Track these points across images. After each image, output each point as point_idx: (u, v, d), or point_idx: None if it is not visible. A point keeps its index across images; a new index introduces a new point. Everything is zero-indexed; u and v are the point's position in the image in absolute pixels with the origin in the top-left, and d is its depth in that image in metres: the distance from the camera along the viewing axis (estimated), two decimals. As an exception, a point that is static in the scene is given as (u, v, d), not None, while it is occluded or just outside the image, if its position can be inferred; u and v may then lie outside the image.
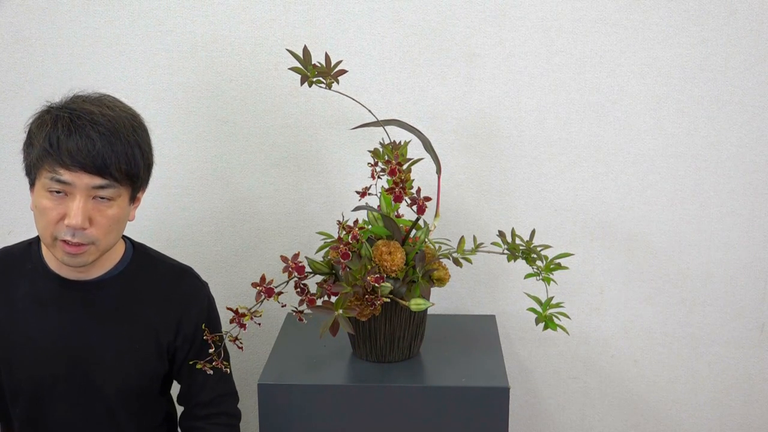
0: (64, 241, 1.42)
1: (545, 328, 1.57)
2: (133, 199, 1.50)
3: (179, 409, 1.73)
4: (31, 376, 1.53)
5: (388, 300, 1.57)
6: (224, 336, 1.57)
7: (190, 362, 1.60)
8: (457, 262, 1.62)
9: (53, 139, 1.39)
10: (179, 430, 1.72)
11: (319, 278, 1.69)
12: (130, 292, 1.56)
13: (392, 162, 1.51)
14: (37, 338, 1.52)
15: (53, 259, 1.52)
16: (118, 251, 1.57)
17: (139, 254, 1.60)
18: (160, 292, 1.58)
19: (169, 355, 1.60)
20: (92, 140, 1.39)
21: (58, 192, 1.41)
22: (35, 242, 1.57)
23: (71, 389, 1.54)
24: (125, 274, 1.56)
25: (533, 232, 1.66)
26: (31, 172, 1.45)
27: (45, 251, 1.54)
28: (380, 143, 1.61)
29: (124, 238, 1.60)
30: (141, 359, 1.56)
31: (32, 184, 1.46)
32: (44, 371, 1.52)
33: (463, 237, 1.66)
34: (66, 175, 1.39)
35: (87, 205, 1.41)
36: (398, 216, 1.69)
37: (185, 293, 1.60)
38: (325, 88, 1.55)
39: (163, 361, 1.59)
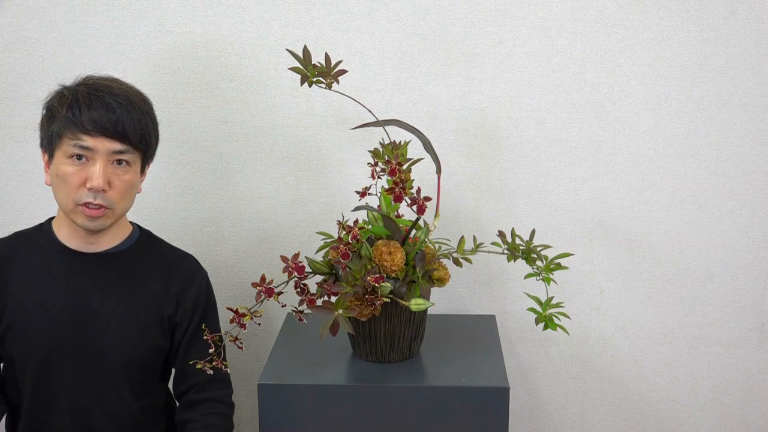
0: (85, 205, 1.52)
1: (545, 328, 1.57)
2: (143, 169, 1.61)
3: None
4: (41, 341, 1.60)
5: (388, 300, 1.56)
6: (224, 336, 1.57)
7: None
8: (457, 262, 1.62)
9: (75, 110, 1.51)
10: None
11: (319, 278, 1.69)
12: (135, 265, 1.65)
13: (392, 162, 1.51)
14: (48, 305, 1.60)
15: (64, 234, 1.62)
16: (126, 229, 1.67)
17: (145, 236, 1.71)
18: (163, 269, 1.67)
19: (170, 330, 1.67)
20: (112, 108, 1.52)
21: (79, 158, 1.52)
22: (45, 223, 1.67)
23: (78, 355, 1.60)
24: (132, 249, 1.66)
25: (533, 232, 1.66)
26: (52, 143, 1.54)
27: (56, 227, 1.63)
28: (380, 143, 1.61)
29: (132, 223, 1.69)
30: (144, 328, 1.63)
31: (51, 156, 1.55)
32: (53, 335, 1.59)
33: (463, 237, 1.66)
34: (89, 141, 1.51)
35: (107, 169, 1.53)
36: (398, 216, 1.69)
37: (186, 272, 1.69)
38: (325, 88, 1.55)
39: (165, 335, 1.66)
